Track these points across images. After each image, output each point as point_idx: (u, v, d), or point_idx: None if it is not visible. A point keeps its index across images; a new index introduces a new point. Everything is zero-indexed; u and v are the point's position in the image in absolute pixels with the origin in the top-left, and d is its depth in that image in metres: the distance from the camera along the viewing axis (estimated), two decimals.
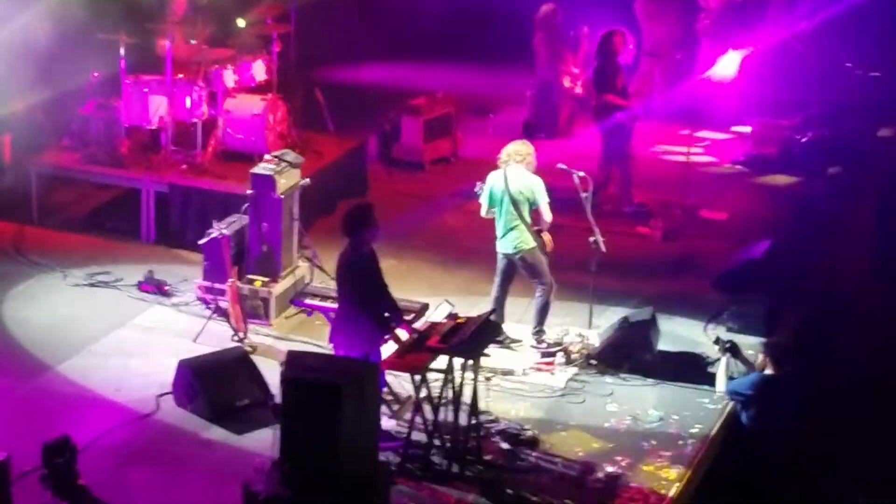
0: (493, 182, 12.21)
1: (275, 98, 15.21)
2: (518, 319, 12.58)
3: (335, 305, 11.22)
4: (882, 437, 12.62)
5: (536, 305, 12.32)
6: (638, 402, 11.66)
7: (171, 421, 11.06)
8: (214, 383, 11.16)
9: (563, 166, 12.37)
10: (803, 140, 17.78)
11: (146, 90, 14.77)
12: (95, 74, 15.32)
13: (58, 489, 9.73)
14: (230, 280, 12.47)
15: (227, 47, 15.55)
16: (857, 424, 12.60)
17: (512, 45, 19.68)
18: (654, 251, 14.93)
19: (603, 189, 15.13)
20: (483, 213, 12.36)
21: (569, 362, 12.19)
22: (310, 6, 17.35)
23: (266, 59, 15.49)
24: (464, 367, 10.58)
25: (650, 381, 11.99)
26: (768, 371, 11.10)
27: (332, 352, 10.76)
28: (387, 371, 10.60)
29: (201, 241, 12.93)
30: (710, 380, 11.78)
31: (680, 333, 12.85)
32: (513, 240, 12.15)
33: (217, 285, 12.63)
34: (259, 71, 15.37)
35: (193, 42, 15.21)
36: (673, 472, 10.61)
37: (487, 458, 10.64)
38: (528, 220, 12.10)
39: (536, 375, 12.02)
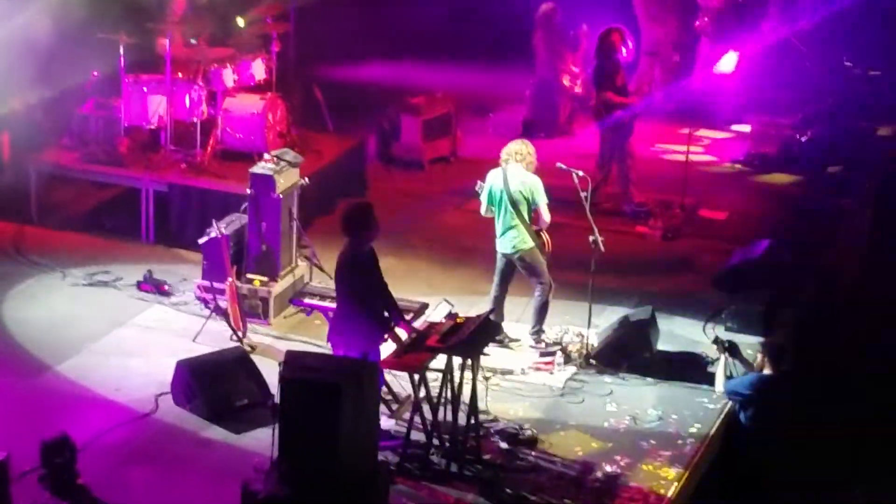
0: (493, 181, 12.21)
1: (274, 97, 15.21)
2: (517, 319, 12.58)
3: (334, 305, 11.22)
4: (880, 437, 12.64)
5: (535, 305, 12.33)
6: (637, 401, 11.66)
7: (170, 420, 11.06)
8: (213, 383, 11.16)
9: (563, 165, 12.36)
10: (803, 139, 17.78)
11: (146, 89, 14.78)
12: (95, 74, 15.32)
13: (57, 488, 9.73)
14: (229, 279, 12.47)
15: (226, 47, 15.55)
16: (855, 423, 12.63)
17: (511, 43, 19.70)
18: (654, 250, 14.93)
19: (602, 188, 15.12)
20: (483, 211, 12.36)
21: (568, 362, 12.19)
22: (309, 5, 17.38)
23: (265, 58, 15.49)
24: (463, 367, 10.58)
25: (649, 380, 11.99)
26: (767, 371, 11.10)
27: (330, 351, 10.76)
28: (386, 370, 10.60)
29: (200, 241, 12.93)
30: (709, 379, 11.78)
31: (679, 333, 12.85)
32: (511, 239, 12.15)
33: (216, 285, 12.62)
34: (258, 70, 15.36)
35: (193, 41, 15.22)
36: (672, 472, 10.61)
37: (486, 457, 10.64)
38: (528, 219, 12.10)
39: (535, 375, 12.02)
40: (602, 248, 12.18)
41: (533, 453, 10.78)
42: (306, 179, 13.47)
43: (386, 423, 10.72)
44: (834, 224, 15.69)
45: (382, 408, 10.55)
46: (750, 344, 12.23)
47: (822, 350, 13.43)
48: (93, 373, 11.73)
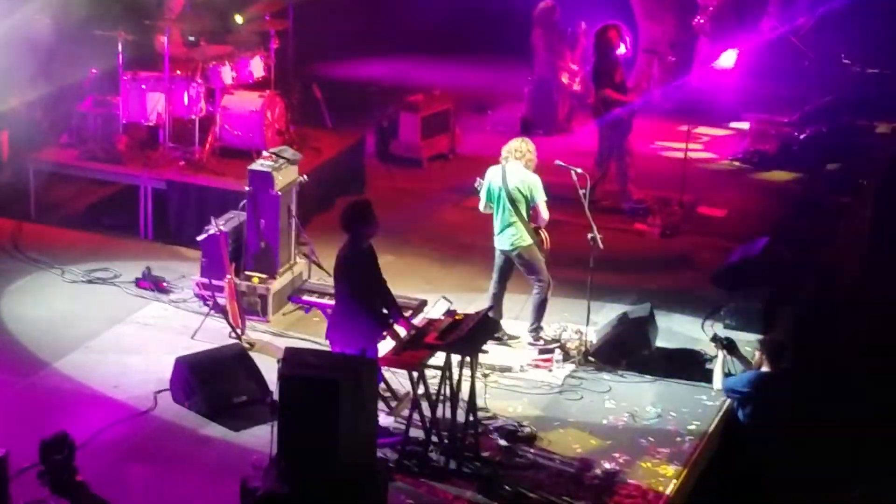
0: (492, 178, 12.21)
1: (273, 95, 15.21)
2: (516, 316, 12.58)
3: (333, 302, 11.22)
4: (880, 436, 12.65)
5: (534, 302, 12.32)
6: (636, 398, 11.65)
7: (168, 417, 11.06)
8: (212, 380, 11.15)
9: (561, 163, 12.36)
10: (801, 136, 17.78)
11: (144, 87, 14.78)
12: (94, 71, 15.32)
13: (56, 486, 9.72)
14: (228, 276, 12.47)
15: (224, 44, 15.55)
16: (854, 422, 12.64)
17: (510, 41, 19.70)
18: (652, 248, 14.93)
19: (601, 185, 15.12)
20: (481, 207, 12.36)
21: (566, 359, 12.19)
22: (307, 3, 17.35)
23: (264, 55, 15.49)
24: (461, 364, 10.58)
25: (648, 377, 11.99)
26: (765, 368, 11.09)
27: (329, 348, 10.76)
28: (384, 368, 10.59)
29: (199, 238, 12.93)
30: (708, 376, 11.77)
31: (678, 330, 12.85)
32: (510, 236, 12.15)
33: (215, 282, 12.61)
34: (257, 67, 15.36)
35: (191, 39, 15.21)
36: (670, 469, 10.61)
37: (485, 454, 10.64)
38: (526, 217, 12.10)
39: (534, 372, 12.01)
40: (601, 245, 12.18)
41: (532, 450, 10.78)
42: (305, 177, 13.46)
43: (385, 420, 10.72)
44: (833, 221, 15.68)
45: (381, 405, 10.55)
46: (749, 341, 12.22)
47: (821, 347, 13.43)
48: (91, 370, 11.72)
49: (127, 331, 12.52)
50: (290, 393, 9.08)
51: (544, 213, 12.13)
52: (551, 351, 12.24)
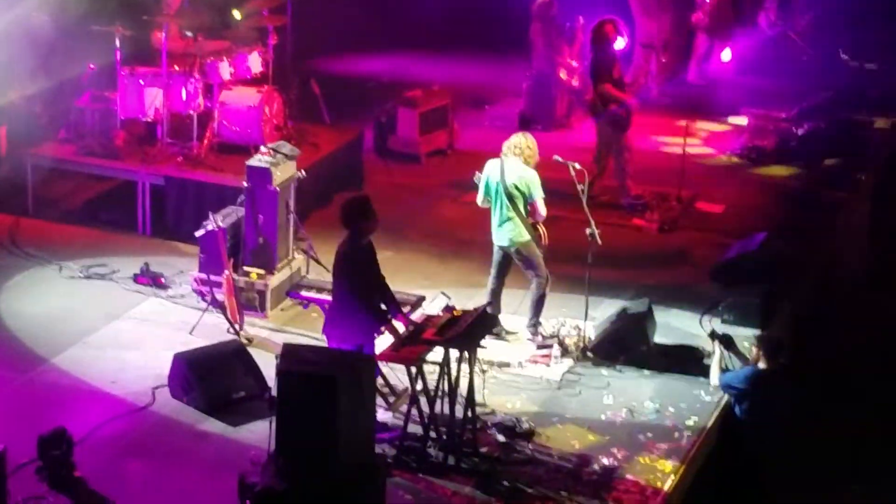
0: (490, 172, 12.20)
1: (271, 90, 15.20)
2: (514, 311, 12.58)
3: (331, 298, 11.21)
4: (878, 433, 12.65)
5: (532, 298, 12.32)
6: (634, 394, 11.66)
7: (166, 413, 11.06)
8: (210, 376, 11.15)
9: (559, 158, 12.35)
10: (800, 132, 17.78)
11: (142, 82, 14.77)
12: (91, 66, 15.30)
13: (54, 481, 9.75)
14: (226, 272, 12.46)
15: (222, 39, 15.52)
16: (853, 420, 12.64)
17: (508, 36, 19.69)
18: (651, 243, 14.92)
19: (599, 181, 15.11)
20: (479, 201, 12.35)
21: (565, 354, 12.19)
22: None
23: (262, 51, 15.47)
24: (460, 360, 10.58)
25: (646, 373, 12.00)
26: (762, 365, 11.09)
27: (326, 343, 10.76)
28: (383, 363, 10.59)
29: (197, 234, 12.91)
30: (706, 372, 11.76)
31: (676, 325, 12.85)
32: (508, 232, 12.14)
33: (213, 277, 12.61)
34: (255, 63, 15.34)
35: (189, 34, 15.20)
36: (669, 465, 10.61)
37: (483, 450, 10.64)
38: (524, 212, 12.09)
39: (532, 368, 12.01)
40: (599, 240, 12.17)
41: (530, 446, 10.77)
42: (303, 172, 13.46)
43: (383, 415, 10.72)
44: (831, 217, 15.69)
45: (379, 400, 10.55)
46: (746, 337, 12.21)
47: (819, 344, 13.43)
48: (89, 366, 11.72)
49: (125, 326, 12.52)
50: (289, 389, 9.08)
51: (542, 210, 12.12)
52: (549, 346, 12.23)
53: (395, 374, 11.07)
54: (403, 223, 14.80)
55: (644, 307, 12.42)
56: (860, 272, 15.94)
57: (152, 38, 15.29)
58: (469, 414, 10.62)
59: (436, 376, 10.49)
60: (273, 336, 12.39)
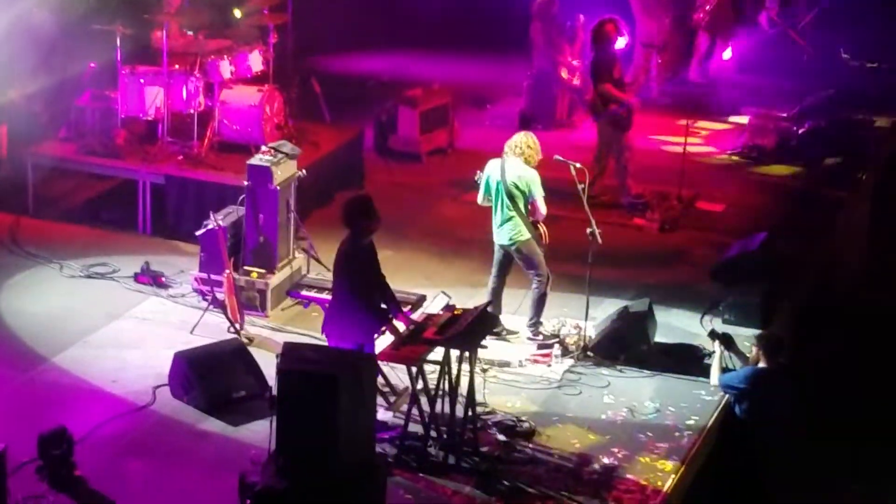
0: (491, 171, 12.20)
1: (271, 89, 15.20)
2: (515, 311, 12.57)
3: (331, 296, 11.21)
4: (878, 433, 12.65)
5: (533, 297, 12.32)
6: (634, 393, 11.65)
7: (167, 412, 11.06)
8: (210, 375, 11.15)
9: (560, 157, 12.35)
10: (800, 131, 17.78)
11: (142, 81, 14.76)
12: (92, 65, 15.30)
13: (54, 480, 9.75)
14: (226, 271, 12.46)
15: (223, 38, 15.53)
16: (852, 418, 12.64)
17: (509, 35, 19.68)
18: (651, 242, 14.92)
19: (599, 180, 15.11)
20: (479, 200, 12.35)
21: (565, 354, 12.19)
22: None
23: (262, 49, 15.47)
24: (460, 359, 10.58)
25: (647, 372, 11.99)
26: (762, 364, 11.09)
27: (325, 342, 10.76)
28: (383, 363, 10.58)
29: (198, 233, 12.91)
30: (706, 371, 11.76)
31: (676, 325, 12.85)
32: (508, 231, 12.14)
33: (213, 277, 12.61)
34: (255, 62, 15.34)
35: (190, 33, 15.19)
36: (669, 464, 10.61)
37: (484, 449, 10.63)
38: (524, 211, 12.09)
39: (533, 367, 12.01)
40: (599, 240, 12.17)
41: (530, 445, 10.78)
42: (303, 171, 13.46)
43: (383, 415, 10.72)
44: (832, 216, 15.69)
45: (380, 400, 10.55)
46: (747, 336, 12.22)
47: (819, 343, 13.43)
48: (90, 365, 11.72)
49: (125, 326, 12.52)
50: (289, 388, 9.07)
51: (542, 209, 12.12)
52: (550, 346, 12.23)
53: (396, 374, 11.07)
54: (404, 222, 14.79)
55: (644, 306, 12.42)
56: (860, 272, 15.94)
57: (153, 37, 15.29)
58: (469, 413, 10.62)
59: (436, 376, 10.49)
60: (273, 335, 12.39)
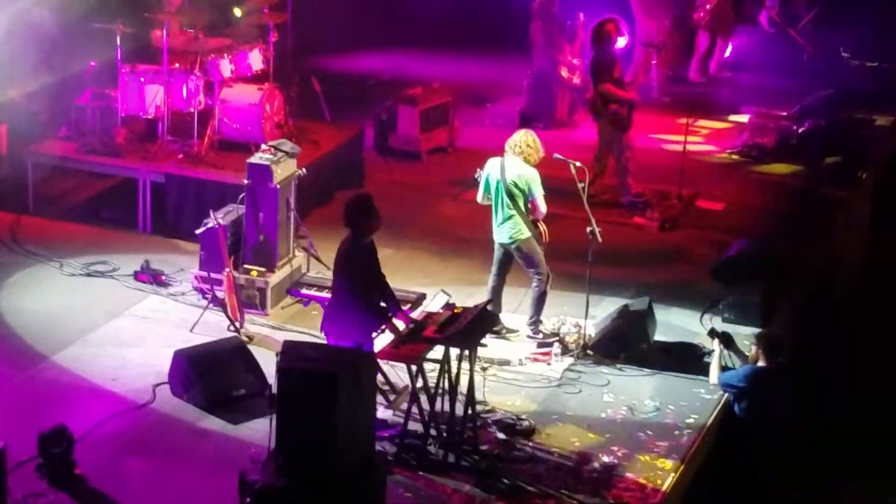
0: (490, 170, 12.19)
1: (271, 88, 15.20)
2: (515, 309, 12.57)
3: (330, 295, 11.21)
4: (878, 433, 12.65)
5: (533, 296, 12.32)
6: (634, 392, 11.65)
7: (167, 410, 11.06)
8: (210, 373, 11.15)
9: (560, 156, 12.34)
10: (800, 130, 17.77)
11: (142, 80, 14.76)
12: (92, 64, 15.30)
13: (54, 478, 9.76)
14: (226, 270, 12.46)
15: (223, 37, 15.52)
16: (851, 417, 12.64)
17: (509, 34, 19.69)
18: (651, 241, 14.92)
19: (600, 179, 15.11)
20: (479, 199, 12.34)
21: (565, 352, 12.19)
22: None
23: (262, 48, 15.47)
24: (460, 358, 10.58)
25: (646, 371, 11.99)
26: (761, 363, 11.09)
27: (324, 340, 10.77)
28: (383, 361, 10.58)
29: (198, 231, 12.92)
30: (706, 370, 11.76)
31: (676, 323, 12.85)
32: (508, 229, 12.14)
33: (213, 275, 12.61)
34: (255, 60, 15.34)
35: (190, 31, 15.19)
36: (669, 463, 10.61)
37: (484, 448, 10.64)
38: (524, 210, 12.09)
39: (533, 366, 12.01)
40: (599, 238, 12.17)
41: (530, 444, 10.78)
42: (304, 170, 13.46)
43: (383, 413, 10.72)
44: (832, 215, 15.68)
45: (380, 398, 10.55)
46: (747, 335, 12.22)
47: (819, 342, 13.43)
48: (90, 363, 11.72)
49: (125, 324, 12.52)
50: (289, 386, 9.07)
51: (542, 207, 12.11)
52: (550, 344, 12.23)
53: (396, 372, 11.07)
54: (404, 221, 14.78)
55: (644, 305, 12.42)
56: (860, 271, 15.94)
57: (153, 36, 15.28)
58: (469, 412, 10.62)
59: (436, 374, 10.49)
60: (273, 334, 12.39)
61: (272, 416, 9.15)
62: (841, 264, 15.48)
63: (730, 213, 15.76)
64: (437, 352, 10.51)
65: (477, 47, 20.79)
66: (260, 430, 10.30)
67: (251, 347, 11.74)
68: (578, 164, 12.31)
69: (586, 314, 12.30)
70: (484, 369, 11.59)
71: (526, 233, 12.12)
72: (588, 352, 12.16)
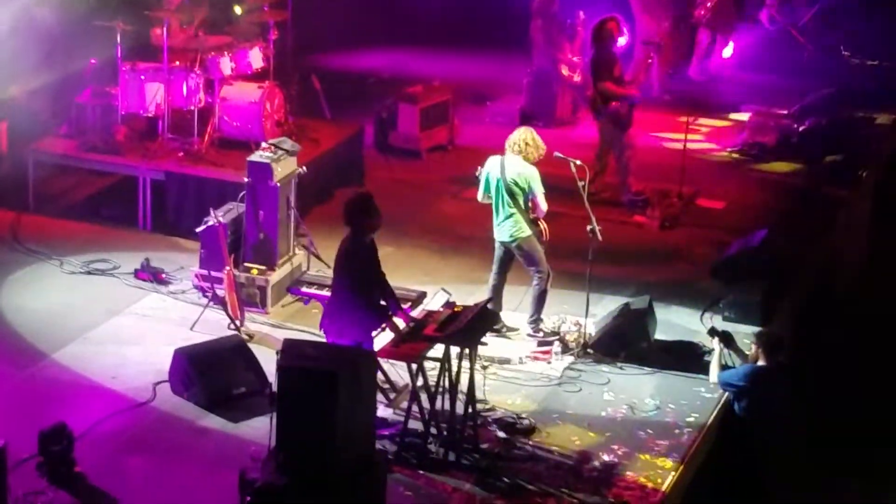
0: (490, 168, 12.18)
1: (271, 86, 15.19)
2: (515, 308, 12.57)
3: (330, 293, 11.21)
4: (878, 433, 12.65)
5: (533, 294, 12.31)
6: (634, 391, 11.65)
7: (167, 409, 11.06)
8: (211, 371, 11.15)
9: (560, 155, 12.33)
10: (801, 128, 17.77)
11: (143, 78, 14.76)
12: (92, 62, 15.30)
13: (54, 477, 9.75)
14: (227, 268, 12.46)
15: (223, 35, 15.52)
16: (851, 416, 12.63)
17: (509, 32, 19.68)
18: (651, 240, 14.91)
19: (600, 178, 15.10)
20: (479, 198, 12.33)
21: (565, 351, 12.18)
22: None
23: (263, 46, 15.47)
24: (460, 356, 10.58)
25: (647, 369, 11.99)
26: (761, 362, 11.09)
27: (323, 338, 10.76)
28: (383, 360, 10.58)
29: (198, 229, 12.92)
30: (706, 369, 11.76)
31: (677, 322, 12.85)
32: (509, 228, 12.13)
33: (214, 273, 12.61)
34: (256, 58, 15.34)
35: (190, 29, 15.19)
36: (669, 462, 10.61)
37: (484, 446, 10.64)
38: (525, 208, 12.08)
39: (533, 364, 12.01)
40: (600, 237, 12.17)
41: (530, 443, 10.78)
42: (304, 168, 13.45)
43: (383, 411, 10.72)
44: (832, 214, 15.68)
45: (380, 396, 10.54)
46: (747, 334, 12.21)
47: (819, 341, 13.43)
48: (90, 361, 11.72)
49: (125, 322, 12.52)
50: (289, 384, 9.08)
51: (543, 205, 12.10)
52: (550, 343, 12.23)
53: (396, 371, 11.07)
54: (404, 219, 14.77)
55: (645, 304, 12.42)
56: (860, 270, 15.93)
57: (153, 34, 15.28)
58: (469, 410, 10.62)
59: (436, 372, 10.48)
60: (273, 332, 12.39)
61: (272, 415, 9.15)
62: (841, 263, 15.48)
63: (730, 212, 15.75)
64: (438, 350, 10.50)
65: (477, 45, 20.77)
66: (260, 428, 10.30)
67: (251, 346, 11.74)
68: (578, 162, 12.30)
69: (587, 313, 12.30)
70: (484, 368, 11.59)
71: (527, 231, 12.12)
72: (588, 350, 12.16)
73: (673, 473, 10.46)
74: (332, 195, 15.06)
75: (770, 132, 17.76)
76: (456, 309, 10.88)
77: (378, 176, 16.15)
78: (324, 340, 10.81)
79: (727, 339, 11.61)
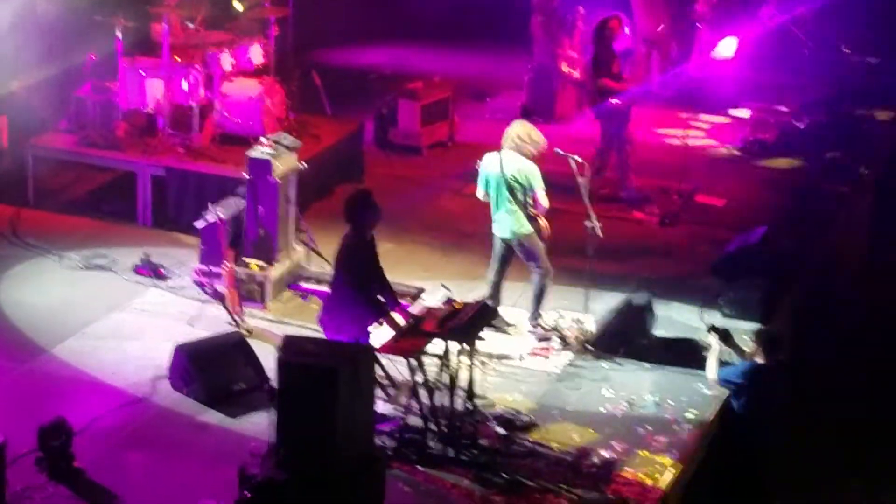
0: (487, 166, 12.16)
1: (272, 81, 15.19)
2: (514, 304, 12.57)
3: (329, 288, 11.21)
4: (878, 432, 12.66)
5: (533, 290, 12.31)
6: (634, 387, 11.65)
7: (166, 404, 11.06)
8: (210, 367, 11.15)
9: (560, 151, 12.33)
10: (801, 125, 17.76)
11: (143, 73, 14.76)
12: (92, 57, 15.30)
13: (53, 472, 9.76)
14: (226, 264, 12.46)
15: (224, 31, 15.52)
16: (851, 416, 12.64)
17: (510, 29, 19.68)
18: (651, 236, 14.91)
19: (600, 174, 15.10)
20: (479, 195, 12.32)
21: (565, 347, 12.18)
22: None
23: (263, 42, 15.47)
24: (460, 352, 10.58)
25: (646, 366, 11.98)
26: (760, 359, 11.08)
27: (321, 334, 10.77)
28: (383, 355, 10.58)
29: (198, 225, 12.92)
30: (705, 365, 11.76)
31: (676, 319, 12.84)
32: (509, 224, 12.12)
33: (213, 269, 12.61)
34: (256, 54, 15.34)
35: (191, 25, 15.19)
36: (668, 458, 10.61)
37: (483, 442, 10.63)
38: (524, 204, 12.06)
39: (533, 360, 12.01)
40: (599, 233, 12.17)
41: (529, 439, 10.77)
42: (304, 164, 13.46)
43: (383, 407, 10.72)
44: (833, 211, 15.68)
45: (379, 392, 10.55)
46: (746, 331, 12.22)
47: (819, 339, 13.43)
48: (89, 356, 11.72)
49: (125, 317, 12.52)
50: (289, 380, 9.08)
51: (543, 202, 12.09)
52: (550, 339, 12.23)
53: (396, 366, 11.06)
54: (404, 215, 14.78)
55: (644, 300, 12.42)
56: (861, 266, 15.94)
57: (154, 29, 15.27)
58: (469, 406, 10.62)
59: (436, 368, 10.48)
60: (273, 328, 12.38)
61: (272, 411, 9.15)
62: (841, 260, 15.48)
63: (730, 209, 15.75)
64: (437, 346, 10.50)
65: (478, 42, 20.77)
66: (260, 423, 10.31)
67: (251, 341, 11.73)
68: (578, 158, 12.30)
69: (586, 309, 12.30)
70: (483, 364, 11.58)
71: (527, 227, 12.10)
72: (588, 347, 12.16)
73: (672, 470, 10.46)
74: (332, 191, 15.06)
75: (770, 128, 17.77)
76: (456, 305, 10.88)
77: (378, 172, 16.15)
78: (323, 336, 10.81)
79: (726, 337, 11.60)
